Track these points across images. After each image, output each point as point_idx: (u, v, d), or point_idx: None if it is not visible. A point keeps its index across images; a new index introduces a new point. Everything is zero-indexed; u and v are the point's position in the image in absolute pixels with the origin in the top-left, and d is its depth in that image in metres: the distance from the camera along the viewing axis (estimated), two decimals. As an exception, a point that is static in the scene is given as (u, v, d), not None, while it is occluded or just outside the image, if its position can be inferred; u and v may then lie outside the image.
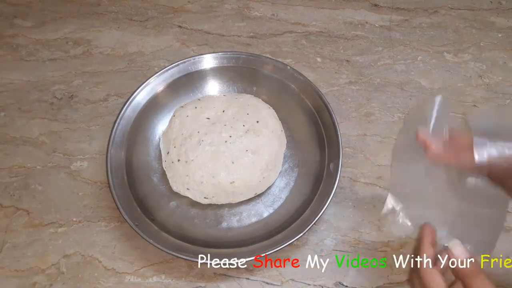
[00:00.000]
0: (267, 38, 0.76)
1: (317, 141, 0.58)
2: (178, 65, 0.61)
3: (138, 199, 0.53)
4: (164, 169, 0.57)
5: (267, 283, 0.52)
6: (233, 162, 0.55)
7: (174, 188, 0.56)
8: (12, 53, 0.74)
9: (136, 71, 0.71)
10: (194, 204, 0.56)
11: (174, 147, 0.57)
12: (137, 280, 0.52)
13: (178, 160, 0.56)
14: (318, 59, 0.73)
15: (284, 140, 0.60)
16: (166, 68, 0.61)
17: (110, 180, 0.52)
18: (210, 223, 0.55)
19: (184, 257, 0.47)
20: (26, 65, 0.73)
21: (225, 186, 0.54)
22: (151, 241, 0.47)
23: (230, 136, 0.57)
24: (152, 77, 0.60)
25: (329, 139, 0.56)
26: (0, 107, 0.68)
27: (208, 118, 0.59)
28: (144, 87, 0.59)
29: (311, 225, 0.49)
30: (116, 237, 0.56)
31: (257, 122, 0.58)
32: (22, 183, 0.60)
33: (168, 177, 0.56)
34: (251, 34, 0.76)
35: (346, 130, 0.64)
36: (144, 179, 0.57)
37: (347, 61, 0.72)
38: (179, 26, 0.78)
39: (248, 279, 0.53)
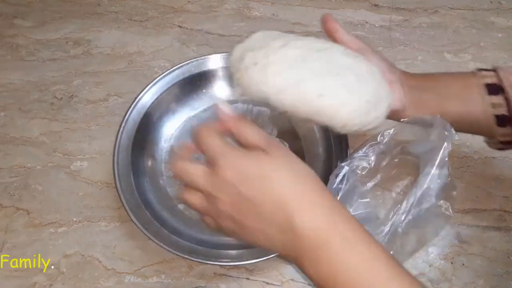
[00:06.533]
0: (267, 38, 0.76)
1: (324, 140, 0.58)
2: (182, 66, 0.61)
3: (146, 202, 0.53)
4: None
5: (267, 283, 0.52)
6: (327, 72, 0.39)
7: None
8: (12, 53, 0.74)
9: (136, 71, 0.71)
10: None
11: (252, 51, 0.44)
12: (137, 280, 0.52)
13: (255, 64, 0.41)
14: (318, 59, 0.73)
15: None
16: (171, 70, 0.60)
17: (118, 184, 0.52)
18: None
19: (196, 259, 0.47)
20: (26, 65, 0.73)
21: (311, 99, 0.38)
22: (161, 244, 0.47)
23: (326, 49, 0.41)
24: (157, 79, 0.59)
25: (336, 139, 0.56)
26: (0, 107, 0.68)
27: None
28: (149, 89, 0.59)
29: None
30: (116, 237, 0.55)
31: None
32: (22, 183, 0.60)
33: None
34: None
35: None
36: (151, 182, 0.57)
37: (347, 61, 0.72)
38: (179, 26, 0.78)
39: (248, 279, 0.53)
